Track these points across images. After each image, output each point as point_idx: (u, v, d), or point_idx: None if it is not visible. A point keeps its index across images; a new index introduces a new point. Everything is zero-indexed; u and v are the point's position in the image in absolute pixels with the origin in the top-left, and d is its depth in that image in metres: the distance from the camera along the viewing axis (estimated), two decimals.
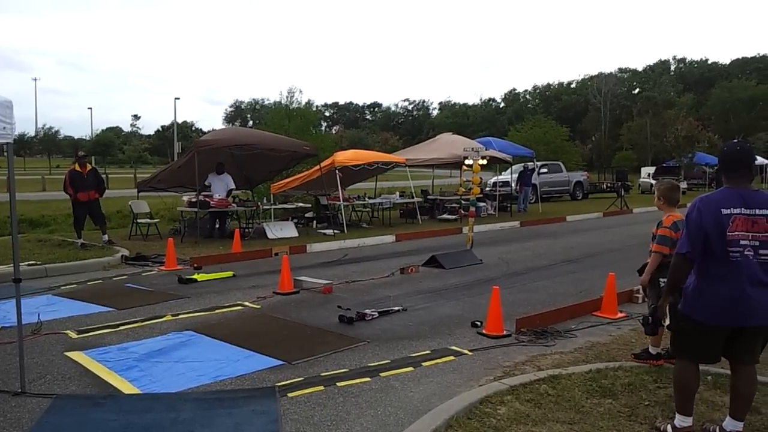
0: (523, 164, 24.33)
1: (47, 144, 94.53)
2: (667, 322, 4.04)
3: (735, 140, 4.22)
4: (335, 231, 15.91)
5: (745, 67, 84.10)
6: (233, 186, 15.47)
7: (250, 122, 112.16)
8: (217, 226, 15.13)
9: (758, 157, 44.09)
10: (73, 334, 6.72)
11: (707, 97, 74.46)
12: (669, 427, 4.02)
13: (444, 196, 22.08)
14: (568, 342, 6.48)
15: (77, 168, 13.04)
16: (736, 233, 3.68)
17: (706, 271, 3.81)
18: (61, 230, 15.43)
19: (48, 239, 13.64)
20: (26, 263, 10.39)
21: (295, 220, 17.22)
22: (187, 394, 5.03)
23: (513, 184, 25.64)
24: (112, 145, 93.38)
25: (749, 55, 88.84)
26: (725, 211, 3.70)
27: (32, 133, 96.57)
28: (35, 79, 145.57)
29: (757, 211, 3.72)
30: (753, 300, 3.73)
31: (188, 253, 12.15)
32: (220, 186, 14.98)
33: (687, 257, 3.80)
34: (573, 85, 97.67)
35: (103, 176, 15.77)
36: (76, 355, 5.97)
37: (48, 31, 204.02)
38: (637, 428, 4.16)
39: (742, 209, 3.70)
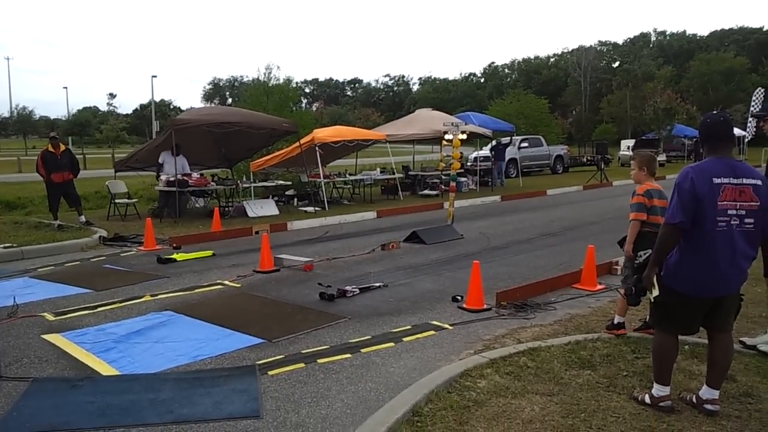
0: (495, 139, 24.25)
1: (22, 125, 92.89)
2: (656, 292, 3.97)
3: (715, 112, 4.22)
4: (316, 208, 15.85)
5: (723, 38, 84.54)
6: (188, 170, 14.77)
7: (229, 100, 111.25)
8: (192, 203, 14.98)
9: (736, 129, 44.49)
10: (50, 317, 6.64)
11: (686, 70, 74.80)
12: (647, 396, 4.06)
13: (425, 172, 22.07)
14: (548, 315, 6.52)
15: (50, 149, 12.82)
16: (725, 203, 3.69)
17: (691, 242, 3.79)
18: (38, 212, 15.21)
19: (24, 221, 13.45)
20: (2, 246, 10.24)
21: (276, 198, 17.11)
22: (167, 374, 5.00)
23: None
24: (89, 124, 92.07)
25: (727, 26, 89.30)
26: (716, 181, 3.70)
27: (6, 114, 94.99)
28: (8, 59, 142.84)
29: (744, 180, 3.73)
30: (735, 269, 3.80)
31: (167, 232, 12.04)
32: (172, 168, 14.24)
33: (678, 227, 3.75)
34: (553, 59, 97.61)
35: (80, 156, 15.54)
36: (53, 338, 5.91)
37: (21, 8, 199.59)
38: (616, 398, 4.20)
39: (731, 179, 3.71)
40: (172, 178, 14.16)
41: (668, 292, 3.92)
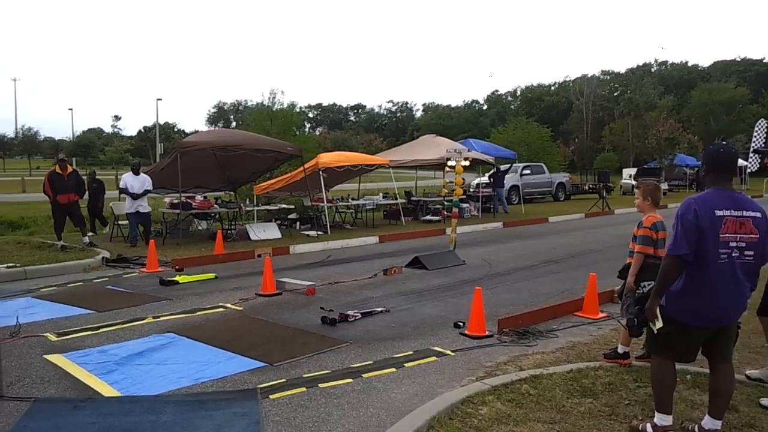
0: (494, 166, 24.29)
1: (27, 145, 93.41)
2: (659, 324, 3.90)
3: (721, 142, 4.27)
4: (318, 232, 15.88)
5: (725, 69, 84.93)
6: (150, 187, 14.02)
7: (233, 123, 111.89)
8: (195, 226, 14.94)
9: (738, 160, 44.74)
10: (52, 337, 6.65)
11: (687, 100, 75.13)
12: (648, 426, 4.04)
13: (427, 198, 22.13)
14: (550, 342, 6.51)
15: (57, 170, 12.92)
16: (727, 235, 3.71)
17: (692, 273, 3.79)
18: (41, 232, 15.27)
19: (27, 241, 13.50)
20: (5, 265, 10.28)
21: (279, 222, 17.16)
22: (168, 396, 5.00)
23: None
24: (93, 146, 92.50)
25: (729, 57, 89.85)
26: (718, 213, 3.72)
27: (12, 135, 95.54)
28: (14, 80, 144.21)
29: (745, 213, 3.76)
30: (735, 300, 3.82)
31: (170, 254, 12.07)
32: (137, 186, 13.75)
33: (682, 259, 3.74)
34: (555, 87, 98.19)
35: (85, 178, 15.63)
36: (55, 358, 5.91)
37: (28, 29, 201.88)
38: (618, 427, 4.19)
39: (732, 211, 3.74)
40: (176, 201, 14.23)
41: (668, 322, 3.91)
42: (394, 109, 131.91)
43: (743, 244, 3.75)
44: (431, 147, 21.02)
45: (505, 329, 6.79)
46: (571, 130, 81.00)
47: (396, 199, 20.55)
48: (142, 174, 14.03)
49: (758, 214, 3.81)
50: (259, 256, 12.19)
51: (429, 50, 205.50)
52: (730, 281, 3.76)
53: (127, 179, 13.84)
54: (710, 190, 3.87)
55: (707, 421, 3.98)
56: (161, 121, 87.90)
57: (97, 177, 16.53)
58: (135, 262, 11.45)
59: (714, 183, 3.89)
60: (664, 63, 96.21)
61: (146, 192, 13.89)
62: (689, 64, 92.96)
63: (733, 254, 3.73)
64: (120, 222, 14.72)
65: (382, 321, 7.38)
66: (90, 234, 13.90)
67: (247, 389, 5.13)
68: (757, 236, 3.77)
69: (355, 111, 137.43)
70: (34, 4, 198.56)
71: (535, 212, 23.67)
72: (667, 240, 3.97)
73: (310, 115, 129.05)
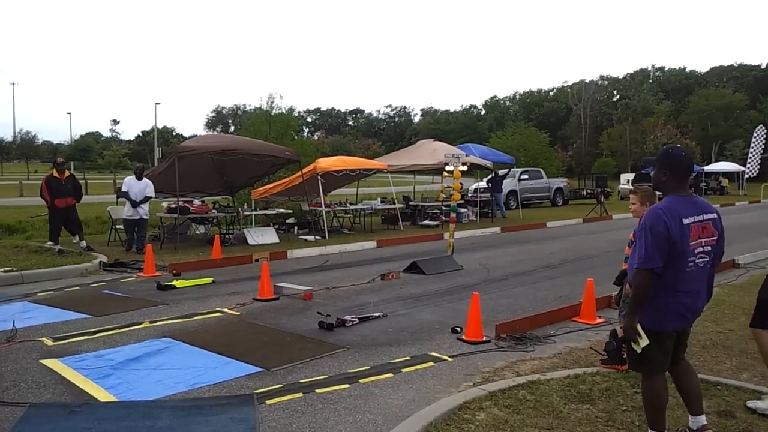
0: (492, 171, 24.25)
1: (25, 149, 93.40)
2: (644, 342, 3.73)
3: (675, 145, 4.23)
4: (316, 237, 15.87)
5: (722, 75, 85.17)
6: (152, 194, 13.78)
7: (232, 128, 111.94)
8: (192, 230, 14.89)
9: (733, 164, 44.94)
10: (48, 342, 6.62)
11: (685, 105, 75.28)
12: None
13: (425, 202, 22.12)
14: (547, 347, 6.51)
15: (55, 174, 12.90)
16: (693, 242, 3.69)
17: (662, 282, 3.69)
18: (39, 236, 15.20)
19: (25, 245, 13.43)
20: (2, 269, 10.25)
21: (276, 226, 17.14)
22: (164, 401, 4.98)
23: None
24: (92, 150, 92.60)
25: (726, 63, 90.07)
26: (686, 221, 3.68)
27: (10, 138, 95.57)
28: (13, 84, 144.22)
29: (705, 216, 3.76)
30: (699, 301, 3.85)
31: (167, 259, 12.04)
32: (137, 192, 13.47)
33: (655, 272, 3.65)
34: (553, 92, 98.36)
35: (82, 182, 15.59)
36: (51, 363, 5.89)
37: (26, 33, 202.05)
38: None
39: (695, 217, 3.72)
40: (174, 205, 14.22)
41: (647, 334, 3.78)
42: (392, 113, 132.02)
43: (708, 248, 3.76)
44: (429, 152, 21.04)
45: (503, 335, 6.78)
46: (569, 136, 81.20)
47: (394, 203, 20.56)
48: (144, 179, 13.81)
49: (715, 216, 3.83)
50: (257, 260, 12.18)
51: (427, 55, 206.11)
52: (695, 285, 3.76)
53: (129, 183, 13.62)
54: (674, 198, 3.79)
55: (692, 421, 4.01)
56: (159, 126, 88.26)
57: None
58: (132, 266, 11.43)
59: (675, 188, 3.82)
60: (661, 69, 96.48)
61: (146, 198, 13.59)
62: (687, 70, 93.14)
63: (698, 260, 3.73)
64: (117, 227, 14.70)
65: (379, 326, 7.37)
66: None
67: (244, 394, 5.11)
68: (716, 238, 3.80)
69: (354, 115, 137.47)
70: (32, 8, 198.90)
71: (533, 217, 23.67)
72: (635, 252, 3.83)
73: (309, 119, 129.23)
